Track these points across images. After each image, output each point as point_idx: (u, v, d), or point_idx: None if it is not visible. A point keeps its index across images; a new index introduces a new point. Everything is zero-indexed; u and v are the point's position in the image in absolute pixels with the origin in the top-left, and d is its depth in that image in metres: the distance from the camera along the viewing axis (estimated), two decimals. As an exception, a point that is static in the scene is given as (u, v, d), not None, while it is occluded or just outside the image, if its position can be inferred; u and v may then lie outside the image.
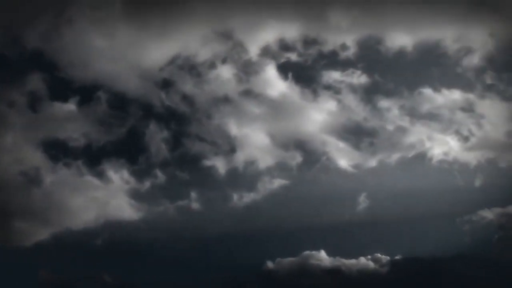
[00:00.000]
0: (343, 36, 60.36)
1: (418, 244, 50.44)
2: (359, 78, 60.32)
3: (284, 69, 60.25)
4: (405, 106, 60.06)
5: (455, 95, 59.79)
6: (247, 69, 59.25)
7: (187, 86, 57.80)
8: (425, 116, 59.83)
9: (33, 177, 51.37)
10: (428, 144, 58.02)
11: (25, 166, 51.02)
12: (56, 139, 54.84)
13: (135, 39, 58.70)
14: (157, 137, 56.23)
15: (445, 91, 60.03)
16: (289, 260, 49.37)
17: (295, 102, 60.07)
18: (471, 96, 59.34)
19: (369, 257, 49.72)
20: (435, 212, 51.88)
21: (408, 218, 51.78)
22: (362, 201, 53.54)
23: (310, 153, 57.25)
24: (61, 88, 56.71)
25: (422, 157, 57.71)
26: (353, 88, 60.26)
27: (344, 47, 60.25)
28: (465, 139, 58.09)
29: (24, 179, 50.91)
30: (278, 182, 54.79)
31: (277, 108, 59.96)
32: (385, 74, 61.29)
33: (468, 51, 60.37)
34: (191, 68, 58.42)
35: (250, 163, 55.69)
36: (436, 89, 60.21)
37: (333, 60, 60.93)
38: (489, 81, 60.04)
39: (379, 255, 49.75)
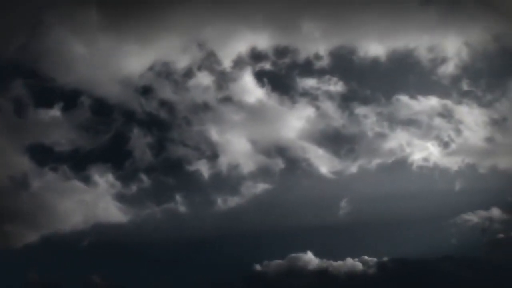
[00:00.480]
0: (316, 46, 60.34)
1: (404, 246, 50.73)
2: (335, 85, 60.28)
3: (260, 77, 60.34)
4: (383, 113, 60.05)
5: (432, 102, 59.87)
6: (224, 77, 59.85)
7: (166, 93, 58.36)
8: (403, 122, 59.79)
9: (20, 181, 51.73)
10: (408, 150, 58.05)
11: (12, 170, 51.28)
12: (42, 144, 55.14)
13: (114, 46, 59.12)
14: (141, 142, 56.62)
15: (421, 98, 60.12)
16: (276, 262, 49.47)
17: (273, 109, 60.03)
18: (448, 103, 59.49)
19: (356, 259, 49.83)
20: (419, 216, 51.96)
21: (392, 222, 51.71)
22: (344, 206, 53.92)
23: (290, 160, 57.30)
24: (45, 94, 57.37)
25: (402, 163, 57.75)
26: (330, 95, 60.28)
27: (317, 56, 60.35)
28: (445, 144, 58.45)
29: (11, 184, 51.21)
30: (261, 187, 55.12)
31: (256, 115, 59.97)
32: (361, 82, 61.34)
33: (443, 60, 61.08)
34: (169, 74, 58.96)
35: (233, 167, 56.09)
36: (412, 96, 60.25)
37: (307, 69, 60.95)
38: (465, 87, 60.68)
39: (366, 257, 49.85)
